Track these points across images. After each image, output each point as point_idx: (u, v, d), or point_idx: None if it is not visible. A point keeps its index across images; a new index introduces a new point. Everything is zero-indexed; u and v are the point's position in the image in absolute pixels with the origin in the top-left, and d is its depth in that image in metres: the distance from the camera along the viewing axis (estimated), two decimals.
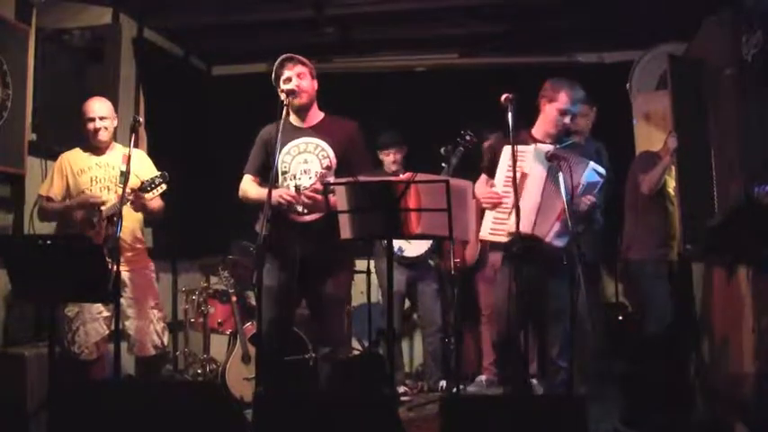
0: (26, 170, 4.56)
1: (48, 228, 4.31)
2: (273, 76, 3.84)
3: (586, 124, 5.08)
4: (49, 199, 4.18)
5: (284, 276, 3.68)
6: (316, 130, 3.85)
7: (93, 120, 4.20)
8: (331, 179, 3.71)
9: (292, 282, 3.69)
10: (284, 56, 3.82)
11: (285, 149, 3.79)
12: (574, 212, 3.64)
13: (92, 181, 4.19)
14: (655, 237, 4.98)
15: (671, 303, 4.88)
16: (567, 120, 4.01)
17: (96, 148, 4.25)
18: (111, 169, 4.21)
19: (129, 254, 4.19)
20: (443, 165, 4.94)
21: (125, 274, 4.11)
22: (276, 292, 3.71)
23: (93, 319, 4.09)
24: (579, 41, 6.27)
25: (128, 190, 3.84)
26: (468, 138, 4.96)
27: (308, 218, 3.72)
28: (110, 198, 4.11)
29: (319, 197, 3.66)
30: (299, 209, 3.70)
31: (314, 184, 3.72)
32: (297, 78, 3.79)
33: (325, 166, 3.78)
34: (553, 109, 4.00)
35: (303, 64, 3.83)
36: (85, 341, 4.07)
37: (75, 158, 4.24)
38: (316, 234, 3.70)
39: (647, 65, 5.92)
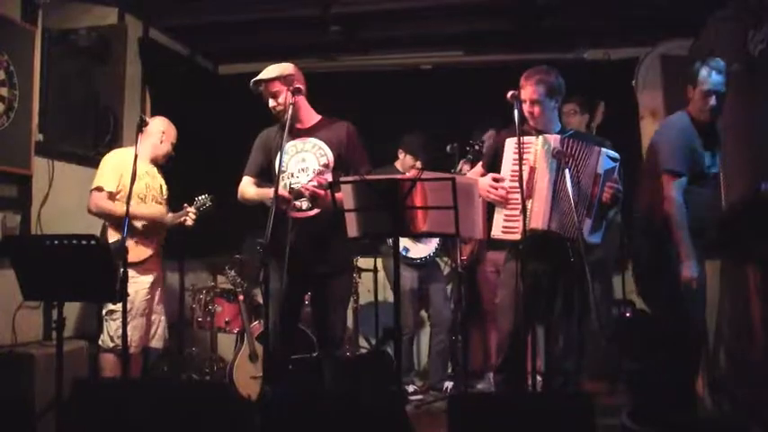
0: (33, 171, 4.57)
1: (55, 228, 4.33)
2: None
3: (578, 122, 5.07)
4: (110, 195, 4.19)
5: (286, 276, 3.63)
6: (312, 131, 3.89)
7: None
8: (329, 177, 3.72)
9: (295, 281, 3.67)
10: (252, 80, 3.84)
11: (283, 149, 3.78)
12: (600, 203, 3.63)
13: (146, 188, 4.33)
14: None
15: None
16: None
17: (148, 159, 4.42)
18: (155, 179, 4.42)
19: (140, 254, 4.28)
20: (452, 171, 4.90)
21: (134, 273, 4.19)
22: (278, 292, 3.69)
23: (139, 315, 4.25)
24: (585, 38, 6.25)
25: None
26: (477, 147, 4.94)
27: (304, 214, 3.73)
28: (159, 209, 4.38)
29: (321, 191, 3.65)
30: (299, 204, 3.73)
31: (312, 179, 3.73)
32: (272, 99, 3.84)
33: (322, 163, 3.81)
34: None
35: (273, 80, 3.82)
36: (133, 335, 4.14)
37: (130, 161, 3.90)
38: (312, 231, 3.71)
39: (653, 61, 5.91)
